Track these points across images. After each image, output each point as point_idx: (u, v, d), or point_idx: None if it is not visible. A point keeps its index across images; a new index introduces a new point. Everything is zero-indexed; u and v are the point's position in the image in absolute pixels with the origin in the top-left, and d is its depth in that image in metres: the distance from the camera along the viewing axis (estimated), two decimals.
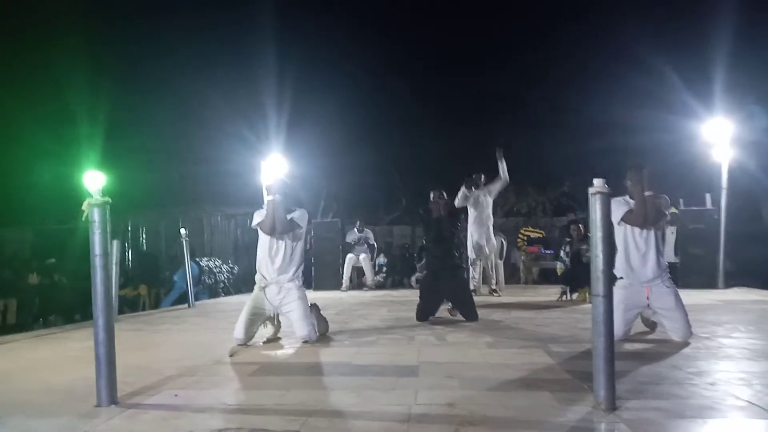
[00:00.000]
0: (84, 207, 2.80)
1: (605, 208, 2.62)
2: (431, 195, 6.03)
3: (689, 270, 9.10)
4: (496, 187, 8.56)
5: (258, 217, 4.60)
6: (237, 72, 14.56)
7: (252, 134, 11.56)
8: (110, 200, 2.84)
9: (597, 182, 2.63)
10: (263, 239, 4.61)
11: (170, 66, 14.86)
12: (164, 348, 4.61)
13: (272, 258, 4.54)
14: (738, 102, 10.21)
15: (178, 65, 15.31)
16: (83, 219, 2.81)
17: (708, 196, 9.75)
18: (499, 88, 17.41)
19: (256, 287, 4.62)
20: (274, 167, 10.63)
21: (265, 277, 4.55)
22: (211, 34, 16.51)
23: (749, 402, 2.58)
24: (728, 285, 9.12)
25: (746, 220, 13.01)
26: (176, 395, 2.90)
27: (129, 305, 10.48)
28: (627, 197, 4.31)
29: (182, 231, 7.94)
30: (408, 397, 2.74)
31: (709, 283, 8.93)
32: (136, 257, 14.05)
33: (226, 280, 12.32)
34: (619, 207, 4.18)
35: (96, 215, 2.80)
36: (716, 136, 9.51)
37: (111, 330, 2.80)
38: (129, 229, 15.08)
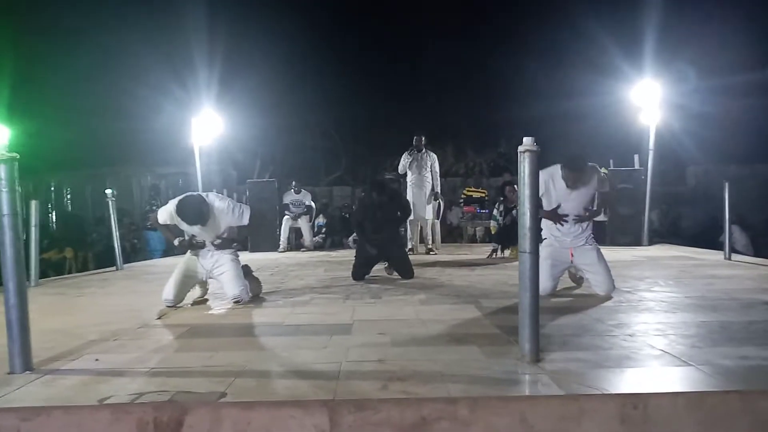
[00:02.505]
0: None
1: (533, 167, 2.64)
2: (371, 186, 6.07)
3: (617, 228, 9.46)
4: (436, 167, 8.87)
5: (161, 215, 4.40)
6: (167, 22, 13.76)
7: (183, 90, 11.07)
8: (17, 156, 2.64)
9: (526, 140, 2.64)
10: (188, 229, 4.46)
11: (94, 13, 13.85)
12: (88, 312, 4.42)
13: (201, 241, 4.41)
14: (667, 63, 10.55)
15: (102, 12, 14.30)
16: None
17: (636, 157, 10.11)
18: (439, 54, 17.39)
19: (189, 251, 4.48)
20: (207, 125, 10.29)
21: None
22: None
23: (663, 351, 2.72)
24: (653, 242, 9.58)
25: (672, 182, 13.69)
26: (97, 360, 2.79)
27: (54, 269, 10.03)
28: (558, 168, 4.34)
29: (108, 192, 7.58)
30: (339, 354, 2.74)
31: (636, 241, 9.33)
32: (61, 219, 13.42)
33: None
34: (542, 184, 4.13)
35: (1, 173, 2.61)
36: (644, 99, 9.81)
37: (23, 293, 2.64)
38: (53, 189, 14.38)
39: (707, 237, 10.36)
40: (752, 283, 4.97)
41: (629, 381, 2.35)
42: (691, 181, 14.39)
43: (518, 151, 2.64)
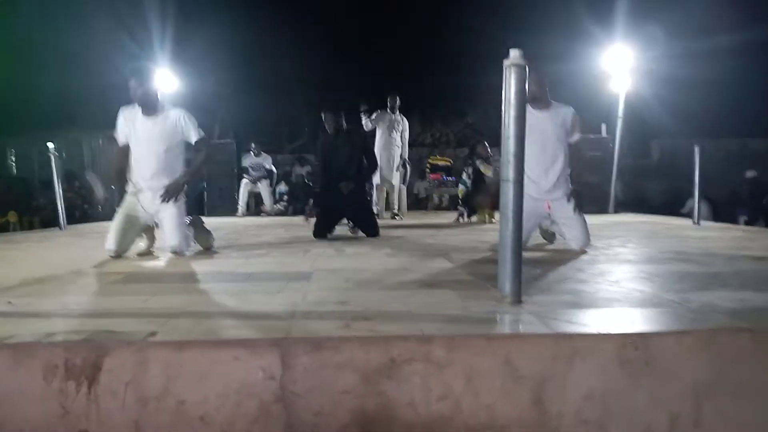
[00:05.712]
0: None
1: (520, 83, 2.32)
2: (323, 115, 5.52)
3: (583, 196, 9.28)
4: (406, 134, 8.52)
5: (119, 134, 4.07)
6: None
7: (136, 44, 10.38)
8: None
9: (513, 53, 2.32)
10: (134, 145, 4.01)
11: None
12: (18, 262, 3.96)
13: (143, 163, 3.97)
14: (639, 28, 10.37)
15: None
16: None
17: (603, 126, 9.96)
18: (409, 19, 16.95)
19: (128, 194, 4.05)
20: (163, 83, 9.67)
21: (136, 184, 4.00)
22: None
23: (655, 293, 2.47)
24: (618, 212, 9.49)
25: (638, 155, 13.69)
26: (10, 302, 2.38)
27: None
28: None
29: (50, 145, 6.98)
30: (295, 297, 2.40)
31: (602, 209, 9.20)
32: (5, 183, 12.60)
33: None
34: None
35: None
36: (615, 65, 9.62)
37: None
38: None
39: (669, 210, 10.33)
40: (728, 243, 4.81)
41: (625, 321, 2.08)
42: (655, 154, 14.42)
43: (503, 66, 2.32)
